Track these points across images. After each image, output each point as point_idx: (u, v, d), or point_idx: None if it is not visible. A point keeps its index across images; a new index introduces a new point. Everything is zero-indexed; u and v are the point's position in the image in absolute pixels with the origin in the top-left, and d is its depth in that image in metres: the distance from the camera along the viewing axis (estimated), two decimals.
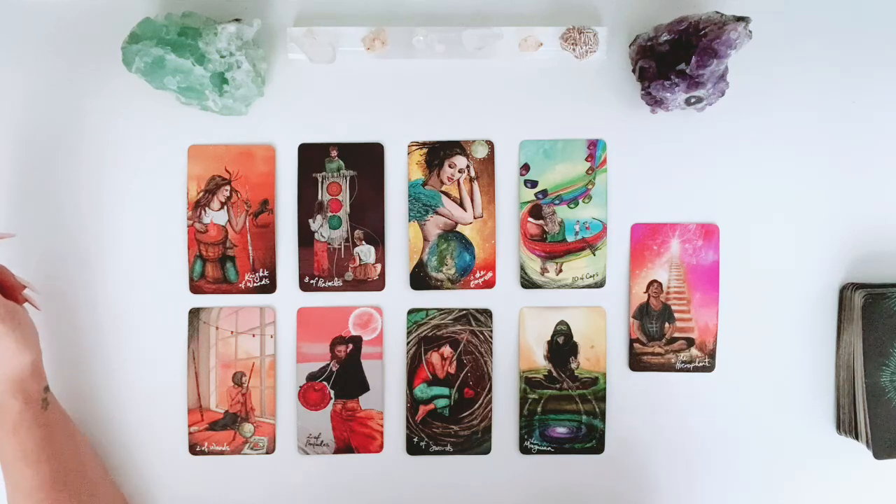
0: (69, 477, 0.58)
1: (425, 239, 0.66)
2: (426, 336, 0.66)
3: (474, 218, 0.66)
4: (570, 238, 0.66)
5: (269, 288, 0.66)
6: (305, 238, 0.66)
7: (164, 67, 0.58)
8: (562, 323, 0.66)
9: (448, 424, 0.66)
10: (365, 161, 0.66)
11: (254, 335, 0.66)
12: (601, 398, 0.66)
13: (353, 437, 0.66)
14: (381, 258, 0.66)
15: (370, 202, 0.66)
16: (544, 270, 0.66)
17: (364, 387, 0.66)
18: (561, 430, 0.66)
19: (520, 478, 0.67)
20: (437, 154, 0.66)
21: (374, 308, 0.66)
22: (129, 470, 0.66)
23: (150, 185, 0.66)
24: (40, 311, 0.62)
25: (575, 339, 0.66)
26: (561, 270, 0.66)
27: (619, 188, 0.66)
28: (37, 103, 0.65)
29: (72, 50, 0.65)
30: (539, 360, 0.66)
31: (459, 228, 0.66)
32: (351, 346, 0.66)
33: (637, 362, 0.66)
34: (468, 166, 0.66)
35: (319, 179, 0.66)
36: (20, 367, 0.57)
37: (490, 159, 0.66)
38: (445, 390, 0.66)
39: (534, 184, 0.66)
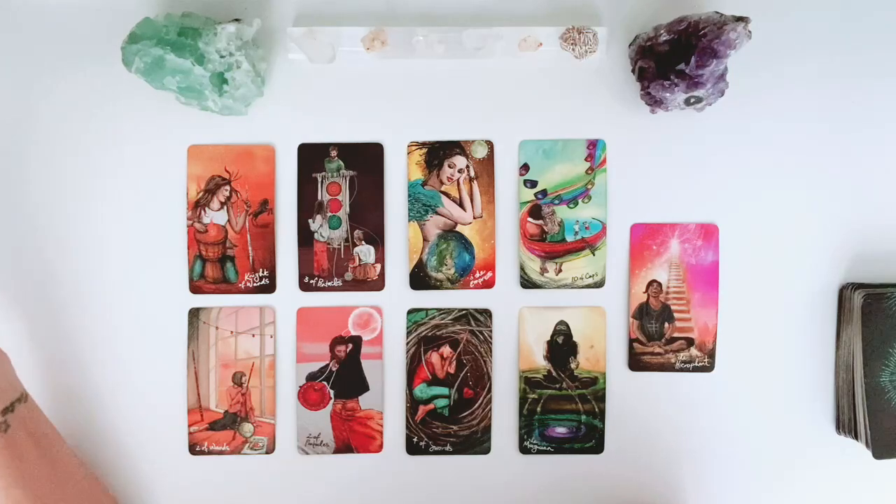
0: (45, 500, 0.57)
1: (425, 239, 0.66)
2: (426, 336, 0.66)
3: (474, 218, 0.66)
4: (569, 238, 0.66)
5: (269, 288, 0.66)
6: (305, 238, 0.66)
7: (164, 67, 0.58)
8: (561, 323, 0.66)
9: (448, 424, 0.66)
10: (365, 161, 0.66)
11: (253, 335, 0.66)
12: (601, 398, 0.66)
13: (353, 436, 0.66)
14: (380, 258, 0.66)
15: (370, 202, 0.66)
16: (544, 270, 0.66)
17: (364, 387, 0.66)
18: (560, 430, 0.66)
19: (519, 478, 0.67)
20: (437, 154, 0.66)
21: (373, 308, 0.66)
22: (129, 470, 0.66)
23: (149, 185, 0.66)
24: None
25: (574, 338, 0.66)
26: (560, 270, 0.66)
27: (619, 188, 0.66)
28: (36, 103, 0.65)
29: (72, 50, 0.65)
30: (539, 360, 0.66)
31: (459, 228, 0.66)
32: (351, 345, 0.66)
33: (637, 362, 0.66)
34: (468, 166, 0.66)
35: (319, 179, 0.66)
36: None
37: (490, 159, 0.66)
38: (445, 390, 0.66)
39: (533, 184, 0.66)
